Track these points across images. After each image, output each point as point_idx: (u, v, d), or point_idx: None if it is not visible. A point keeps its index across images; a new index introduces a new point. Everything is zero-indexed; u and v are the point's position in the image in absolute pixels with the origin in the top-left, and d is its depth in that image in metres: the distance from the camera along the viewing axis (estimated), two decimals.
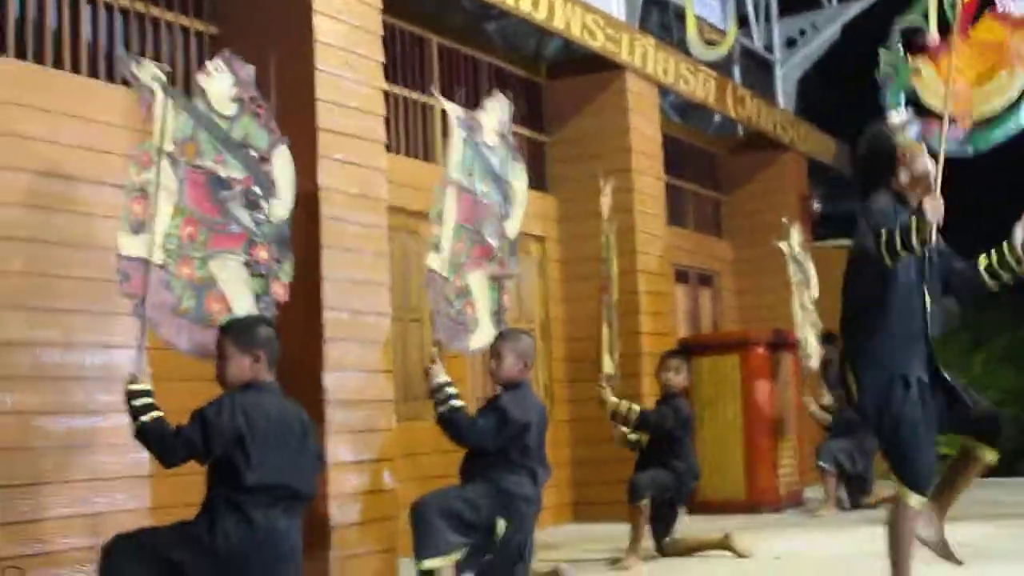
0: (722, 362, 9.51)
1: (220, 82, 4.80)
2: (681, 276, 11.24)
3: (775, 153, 12.41)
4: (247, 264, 4.86)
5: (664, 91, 10.23)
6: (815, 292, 9.53)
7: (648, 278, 9.41)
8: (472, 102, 8.83)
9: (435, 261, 5.59)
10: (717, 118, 12.41)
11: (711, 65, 10.89)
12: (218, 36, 6.52)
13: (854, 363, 4.43)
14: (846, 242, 12.87)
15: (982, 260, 4.55)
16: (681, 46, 10.54)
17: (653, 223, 9.66)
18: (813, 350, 9.29)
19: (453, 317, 5.74)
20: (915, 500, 4.33)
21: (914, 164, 4.50)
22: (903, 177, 4.49)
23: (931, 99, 4.48)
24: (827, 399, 9.28)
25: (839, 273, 4.56)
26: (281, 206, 5.01)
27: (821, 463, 8.91)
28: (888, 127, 4.61)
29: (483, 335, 5.88)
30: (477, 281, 5.93)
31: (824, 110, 13.18)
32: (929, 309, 4.43)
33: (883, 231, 4.16)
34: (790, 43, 12.93)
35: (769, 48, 12.85)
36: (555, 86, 9.68)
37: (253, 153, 4.89)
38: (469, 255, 5.84)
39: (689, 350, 8.58)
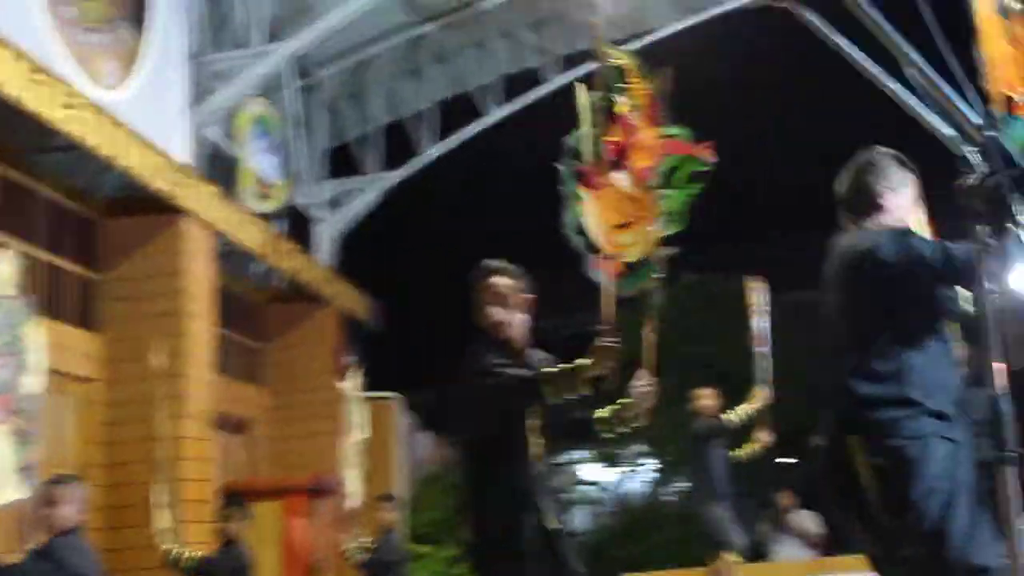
0: (263, 508, 9.47)
1: None
2: (218, 422, 11.12)
3: (314, 306, 12.81)
4: None
5: (217, 238, 10.29)
6: (364, 435, 9.87)
7: (194, 424, 9.27)
8: (27, 234, 8.46)
9: None
10: (258, 268, 12.65)
11: (263, 217, 11.16)
12: None
13: (478, 512, 4.02)
14: (382, 393, 13.40)
15: (598, 413, 4.24)
16: (236, 195, 10.72)
17: (201, 369, 9.58)
18: (355, 490, 9.56)
19: None
20: None
21: (492, 308, 4.15)
22: (485, 318, 4.15)
23: (591, 228, 4.21)
24: (366, 539, 9.55)
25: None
26: None
27: None
28: (488, 266, 4.24)
29: (7, 493, 5.59)
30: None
31: (361, 269, 13.84)
32: (544, 459, 4.10)
33: (553, 371, 3.84)
34: (334, 203, 13.53)
35: (314, 206, 13.36)
36: (111, 224, 9.43)
37: None
38: None
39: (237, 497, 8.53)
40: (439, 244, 13.01)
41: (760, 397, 9.09)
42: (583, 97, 4.20)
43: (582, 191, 4.22)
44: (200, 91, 10.27)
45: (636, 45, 12.09)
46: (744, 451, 9.39)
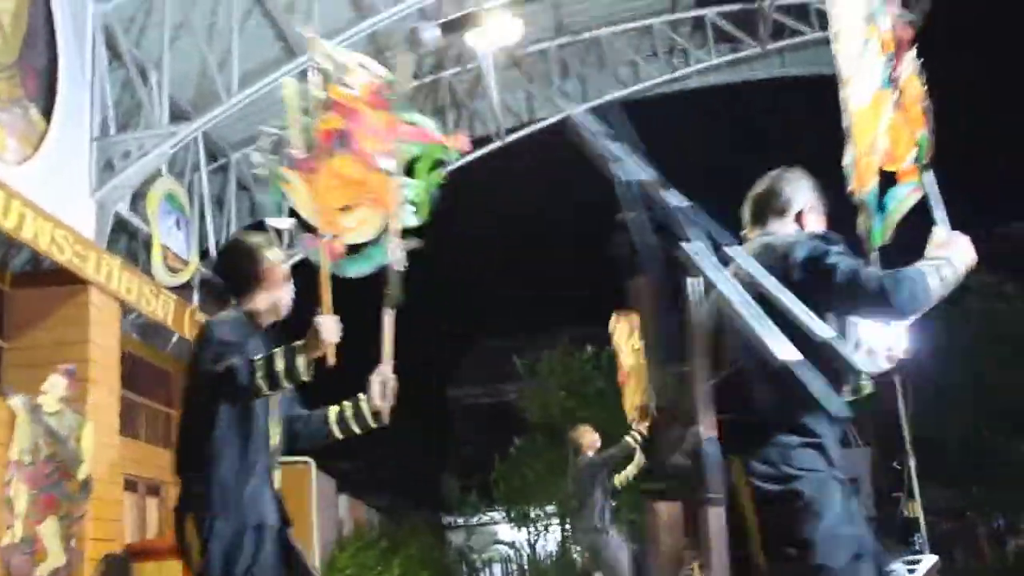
0: (166, 567, 9.19)
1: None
2: (130, 485, 10.85)
3: None
4: None
5: (127, 310, 10.14)
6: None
7: (99, 485, 9.02)
8: None
9: None
10: (175, 338, 12.49)
11: (173, 289, 11.03)
12: None
13: (199, 514, 3.49)
14: (297, 459, 13.14)
15: (332, 410, 3.89)
16: (146, 269, 10.60)
17: (106, 433, 9.36)
18: None
19: None
20: None
21: (275, 288, 3.76)
22: (261, 300, 3.76)
23: (303, 210, 3.79)
24: None
25: None
26: None
27: None
28: (253, 242, 3.84)
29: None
30: None
31: None
32: (274, 451, 3.70)
33: (264, 358, 3.35)
34: None
35: None
36: (18, 295, 9.26)
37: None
38: None
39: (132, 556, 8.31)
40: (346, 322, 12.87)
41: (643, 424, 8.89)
42: (290, 90, 3.80)
43: (291, 175, 3.77)
44: (106, 168, 10.19)
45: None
46: (621, 478, 9.19)
